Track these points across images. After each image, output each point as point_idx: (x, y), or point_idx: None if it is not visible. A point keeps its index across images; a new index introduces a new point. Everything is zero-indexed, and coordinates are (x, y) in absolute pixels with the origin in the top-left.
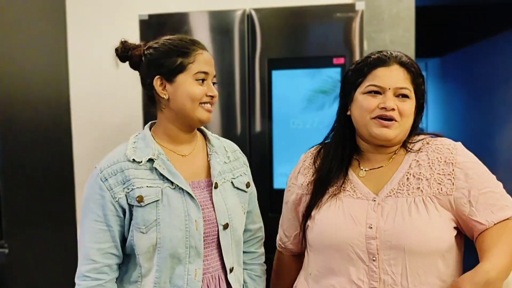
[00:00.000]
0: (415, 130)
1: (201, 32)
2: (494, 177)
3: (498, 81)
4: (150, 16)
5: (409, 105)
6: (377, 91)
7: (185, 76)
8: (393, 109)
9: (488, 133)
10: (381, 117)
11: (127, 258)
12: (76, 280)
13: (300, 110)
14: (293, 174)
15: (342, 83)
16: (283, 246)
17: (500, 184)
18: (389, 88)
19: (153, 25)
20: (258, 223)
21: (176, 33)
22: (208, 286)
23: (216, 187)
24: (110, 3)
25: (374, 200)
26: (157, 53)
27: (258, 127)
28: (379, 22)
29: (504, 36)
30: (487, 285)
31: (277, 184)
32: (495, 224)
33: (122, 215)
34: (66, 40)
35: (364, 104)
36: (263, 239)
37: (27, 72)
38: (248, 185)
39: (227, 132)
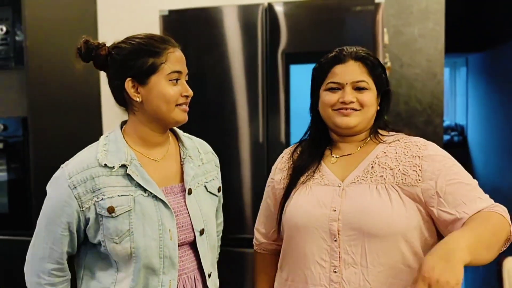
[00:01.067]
0: (382, 117)
1: (222, 27)
2: (467, 173)
3: None
4: (170, 11)
5: (368, 96)
6: (337, 87)
7: (158, 77)
8: (352, 102)
9: None
10: (341, 109)
11: (98, 264)
12: (40, 275)
13: None
14: (272, 171)
15: (311, 82)
16: (261, 246)
17: (474, 180)
18: (347, 83)
19: (173, 21)
20: (219, 218)
21: (197, 28)
22: (184, 287)
23: (190, 193)
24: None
25: (339, 186)
26: (125, 53)
27: (276, 123)
28: (407, 16)
29: None
30: (453, 252)
31: None
32: (470, 216)
33: (84, 224)
34: (97, 35)
35: (325, 100)
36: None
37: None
38: (219, 190)
39: (246, 127)
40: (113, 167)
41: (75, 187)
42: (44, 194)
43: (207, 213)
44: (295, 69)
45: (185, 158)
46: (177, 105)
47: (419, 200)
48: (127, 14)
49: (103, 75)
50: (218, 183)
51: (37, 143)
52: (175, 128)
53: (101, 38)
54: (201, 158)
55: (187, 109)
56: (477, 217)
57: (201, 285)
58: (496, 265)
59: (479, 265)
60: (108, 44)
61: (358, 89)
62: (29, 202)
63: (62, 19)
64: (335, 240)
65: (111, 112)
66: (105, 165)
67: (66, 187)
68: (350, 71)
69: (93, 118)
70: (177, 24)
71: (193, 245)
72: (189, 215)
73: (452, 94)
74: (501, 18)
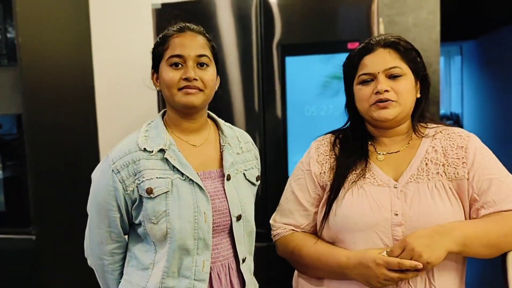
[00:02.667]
0: (426, 105)
1: (216, 19)
2: (504, 168)
3: None
4: (163, 5)
5: (404, 83)
6: (370, 79)
7: (162, 64)
8: (387, 91)
9: None
10: (378, 101)
11: (139, 245)
12: (103, 257)
13: (315, 97)
14: (305, 162)
15: (344, 78)
16: (295, 230)
17: (510, 175)
18: (379, 72)
19: (166, 14)
20: None
21: (191, 21)
22: (218, 275)
23: (228, 179)
24: None
25: (396, 187)
26: (153, 46)
27: (273, 115)
28: (401, 5)
29: None
30: (442, 237)
31: (291, 172)
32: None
33: (131, 206)
34: (89, 31)
35: (360, 95)
36: None
37: (52, 62)
38: (257, 179)
39: (243, 120)
40: (152, 151)
41: (119, 172)
42: (41, 191)
43: (245, 200)
44: (290, 61)
45: (224, 145)
46: (179, 89)
47: (464, 193)
48: (120, 8)
49: (96, 70)
50: (257, 172)
51: (32, 140)
52: (215, 117)
53: (94, 34)
54: (240, 146)
55: (191, 91)
56: (497, 215)
57: (235, 273)
58: (500, 256)
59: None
60: (102, 39)
61: (392, 77)
62: (26, 199)
63: (54, 14)
64: None
65: (105, 106)
66: (145, 149)
67: (111, 172)
68: (380, 59)
69: (87, 113)
70: (171, 17)
71: (230, 231)
72: (227, 200)
73: (447, 83)
74: (493, 4)
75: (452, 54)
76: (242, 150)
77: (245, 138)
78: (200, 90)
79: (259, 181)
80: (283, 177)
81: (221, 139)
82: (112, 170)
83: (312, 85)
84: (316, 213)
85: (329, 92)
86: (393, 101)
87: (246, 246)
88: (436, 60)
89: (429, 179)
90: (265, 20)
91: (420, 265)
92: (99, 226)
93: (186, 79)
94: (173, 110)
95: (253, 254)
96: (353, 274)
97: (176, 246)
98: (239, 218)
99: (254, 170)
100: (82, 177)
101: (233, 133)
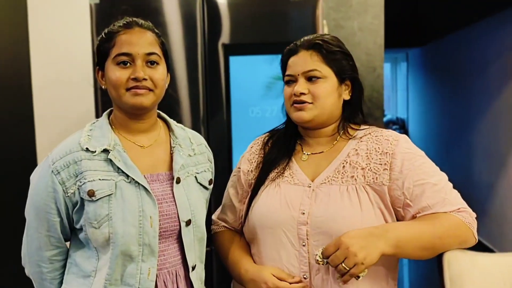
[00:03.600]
0: (351, 108)
1: (159, 15)
2: (436, 170)
3: (477, 70)
4: (102, 0)
5: (323, 86)
6: (292, 80)
7: (108, 62)
8: (303, 93)
9: (467, 123)
10: (294, 103)
11: (80, 251)
12: (41, 264)
13: (259, 98)
14: (240, 160)
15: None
16: (227, 226)
17: (444, 177)
18: (298, 74)
19: (105, 10)
20: None
21: (131, 17)
22: (164, 282)
23: (178, 182)
24: None
25: (309, 187)
26: (98, 42)
27: (217, 116)
28: (347, 9)
29: (482, 25)
30: (377, 239)
31: None
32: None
33: (71, 209)
34: (27, 27)
35: (284, 94)
36: None
37: None
38: (210, 182)
39: (187, 120)
40: (95, 151)
41: (59, 172)
42: None
43: (195, 204)
44: (234, 60)
45: (174, 147)
46: (127, 89)
47: (386, 199)
48: (58, 3)
49: (34, 67)
50: (210, 175)
51: None
52: (166, 117)
53: (32, 30)
54: (192, 148)
55: (141, 92)
56: (431, 217)
57: (183, 280)
58: (437, 256)
59: (413, 259)
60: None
61: (311, 79)
62: None
63: None
64: (304, 245)
65: (43, 105)
66: (87, 149)
67: (50, 173)
68: (301, 61)
69: (23, 112)
70: (110, 13)
71: (178, 237)
72: (176, 204)
73: (393, 88)
74: (438, 13)
75: (399, 60)
76: (194, 152)
77: (198, 140)
78: (150, 90)
79: (211, 185)
80: (228, 178)
81: (172, 140)
82: (52, 171)
83: (256, 86)
84: (242, 210)
85: (273, 93)
86: (309, 103)
87: (197, 253)
88: (380, 64)
89: (342, 182)
90: (210, 19)
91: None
92: (37, 230)
93: (135, 79)
94: (120, 110)
95: (204, 261)
96: (248, 287)
97: (119, 252)
98: (188, 223)
99: (207, 173)
100: (18, 180)
101: (185, 134)
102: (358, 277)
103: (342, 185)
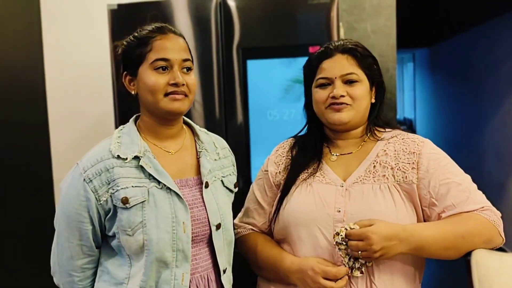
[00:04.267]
0: (380, 110)
1: (175, 21)
2: (460, 171)
3: (486, 71)
4: (120, 5)
5: (359, 89)
6: (327, 83)
7: (143, 67)
8: (342, 96)
9: (476, 124)
10: (332, 104)
11: (112, 259)
12: (72, 273)
13: (277, 101)
14: (265, 164)
15: (303, 80)
16: (254, 229)
17: (468, 178)
18: (336, 77)
19: (122, 15)
20: None
21: (147, 23)
22: (197, 287)
23: (206, 186)
24: None
25: (342, 186)
26: (124, 47)
27: (235, 119)
28: (360, 12)
29: (491, 25)
30: (394, 239)
31: (254, 177)
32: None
33: (104, 217)
34: (41, 33)
35: (316, 97)
36: None
37: (0, 66)
38: (235, 186)
39: (204, 124)
40: (126, 158)
41: (91, 180)
42: None
43: (223, 208)
44: (252, 64)
45: (201, 151)
46: (166, 94)
47: (415, 197)
48: (71, 9)
49: (48, 72)
50: (235, 179)
51: None
52: (191, 122)
53: (46, 35)
54: (217, 152)
55: (179, 97)
56: (457, 216)
57: (214, 284)
58: (464, 256)
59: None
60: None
61: (348, 82)
62: None
63: (3, 15)
64: None
65: (57, 110)
66: (118, 156)
67: (82, 181)
68: (338, 65)
69: (38, 117)
70: (127, 18)
71: (209, 241)
72: (205, 208)
73: (400, 89)
74: (445, 14)
75: (406, 61)
76: (219, 156)
77: (222, 144)
78: (186, 95)
79: (236, 188)
80: (247, 181)
81: (198, 145)
82: (84, 179)
83: (274, 89)
84: (271, 212)
85: (291, 96)
86: (348, 104)
87: (226, 256)
88: (393, 65)
89: (374, 181)
90: (226, 23)
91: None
92: (69, 240)
93: (175, 85)
94: (150, 115)
95: (231, 264)
96: (294, 278)
97: (154, 259)
98: (218, 227)
99: (232, 176)
100: (32, 184)
101: (210, 138)
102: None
103: (374, 184)
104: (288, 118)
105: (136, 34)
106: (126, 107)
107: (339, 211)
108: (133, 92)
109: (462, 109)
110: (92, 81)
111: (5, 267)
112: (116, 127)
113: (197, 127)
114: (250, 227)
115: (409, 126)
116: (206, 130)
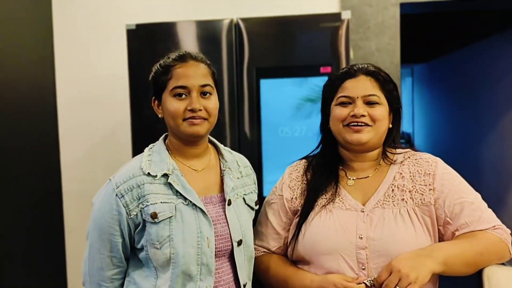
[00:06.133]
0: (396, 135)
1: (189, 41)
2: (471, 189)
3: (484, 86)
4: (138, 25)
5: (380, 111)
6: (348, 102)
7: (166, 94)
8: (363, 115)
9: (474, 139)
10: (352, 123)
11: (139, 270)
12: (101, 284)
13: (289, 118)
14: (278, 187)
15: (322, 99)
16: (270, 251)
17: (478, 196)
18: (358, 97)
19: (140, 35)
20: None
21: (163, 43)
22: None
23: (229, 204)
24: (97, 11)
25: (363, 211)
26: (153, 74)
27: (247, 136)
28: (365, 31)
29: (490, 41)
30: (425, 258)
31: (266, 192)
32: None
33: (134, 230)
34: (52, 48)
35: (336, 115)
36: None
37: (12, 80)
38: (256, 204)
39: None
40: (156, 176)
41: (123, 196)
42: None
43: (245, 225)
44: (265, 83)
45: (225, 170)
46: (184, 119)
47: (433, 218)
48: (83, 24)
49: (59, 80)
50: (256, 197)
51: None
52: (216, 142)
53: (57, 51)
54: (240, 171)
55: (197, 122)
56: (470, 235)
57: None
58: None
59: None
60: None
61: (370, 103)
62: None
63: (15, 29)
64: (363, 269)
65: (67, 125)
66: (148, 173)
67: (114, 196)
68: (361, 85)
69: (48, 132)
70: (144, 38)
71: (230, 256)
72: (228, 225)
73: None
74: (443, 31)
75: (404, 75)
76: (241, 174)
77: (244, 163)
78: (205, 119)
79: (257, 206)
80: (258, 196)
81: (222, 163)
82: (116, 194)
83: (286, 107)
84: (287, 237)
85: (302, 113)
86: (368, 125)
87: (246, 272)
88: (397, 83)
89: (394, 205)
90: (241, 44)
91: None
92: (100, 251)
93: (192, 110)
94: (176, 137)
95: (251, 279)
96: None
97: (180, 271)
98: (240, 243)
99: (253, 194)
100: (43, 198)
101: (233, 157)
102: None
103: (394, 208)
104: (299, 135)
105: (162, 63)
106: (142, 122)
107: (361, 237)
108: (160, 116)
109: (460, 124)
110: (104, 96)
111: (16, 279)
112: (133, 141)
113: (221, 146)
114: (264, 250)
115: (407, 140)
116: (230, 149)
